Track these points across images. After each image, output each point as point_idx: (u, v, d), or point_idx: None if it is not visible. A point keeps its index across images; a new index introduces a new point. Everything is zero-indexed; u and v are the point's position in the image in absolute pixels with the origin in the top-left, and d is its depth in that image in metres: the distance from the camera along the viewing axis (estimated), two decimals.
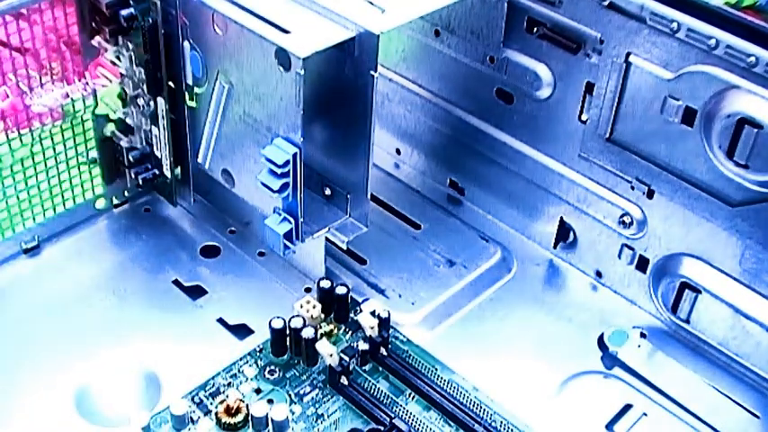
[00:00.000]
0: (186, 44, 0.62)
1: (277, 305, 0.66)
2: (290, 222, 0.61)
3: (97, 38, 0.67)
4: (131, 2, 0.63)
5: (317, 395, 0.61)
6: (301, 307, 0.64)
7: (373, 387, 0.61)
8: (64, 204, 0.72)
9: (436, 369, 0.62)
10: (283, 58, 0.55)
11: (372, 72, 0.55)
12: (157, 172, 0.71)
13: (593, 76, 0.65)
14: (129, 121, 0.70)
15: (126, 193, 0.76)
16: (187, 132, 0.67)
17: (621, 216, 0.68)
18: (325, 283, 0.64)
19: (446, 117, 0.77)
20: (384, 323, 0.63)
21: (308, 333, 0.61)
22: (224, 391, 0.60)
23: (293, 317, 0.62)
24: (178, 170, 0.71)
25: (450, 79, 0.75)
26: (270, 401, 0.60)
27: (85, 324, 0.66)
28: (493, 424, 0.59)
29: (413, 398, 0.61)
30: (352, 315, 0.65)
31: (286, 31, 0.56)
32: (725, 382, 0.65)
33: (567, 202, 0.71)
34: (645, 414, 0.62)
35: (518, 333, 0.68)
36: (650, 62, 0.61)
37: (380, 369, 0.62)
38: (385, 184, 0.81)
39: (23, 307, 0.67)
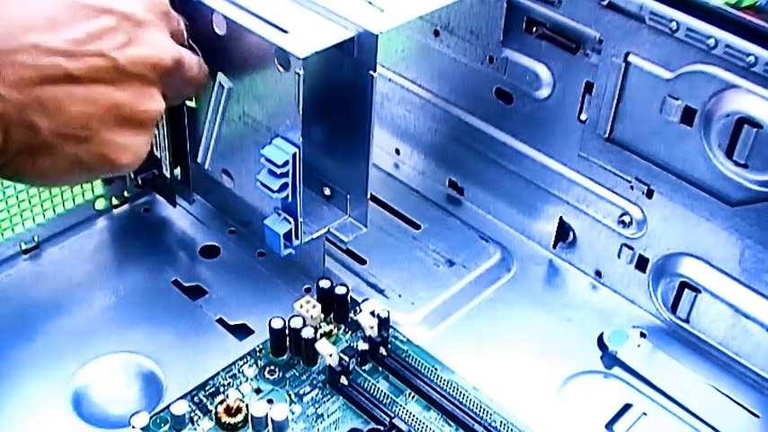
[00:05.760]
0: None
1: (277, 305, 0.67)
2: (290, 222, 0.61)
3: None
4: None
5: (316, 395, 0.61)
6: (301, 307, 0.64)
7: (373, 387, 0.61)
8: (63, 205, 0.72)
9: (436, 369, 0.62)
10: (282, 58, 0.55)
11: (372, 72, 0.55)
12: (157, 172, 0.71)
13: (592, 76, 0.65)
14: None
15: (125, 194, 0.76)
16: (187, 132, 0.67)
17: (621, 216, 0.68)
18: (325, 283, 0.64)
19: (446, 117, 0.77)
20: (384, 323, 0.63)
21: (307, 333, 0.61)
22: (224, 391, 0.60)
23: (293, 317, 0.62)
24: (178, 170, 0.71)
25: (449, 79, 0.75)
26: (270, 401, 0.60)
27: (85, 324, 0.66)
28: (493, 424, 0.59)
29: (413, 398, 0.61)
30: (351, 315, 0.65)
31: (285, 31, 0.56)
32: (725, 381, 0.65)
33: (566, 201, 0.71)
34: (644, 414, 0.62)
35: (518, 333, 0.68)
36: (649, 62, 0.61)
37: (380, 369, 0.62)
38: (385, 183, 0.81)
39: (23, 307, 0.67)
